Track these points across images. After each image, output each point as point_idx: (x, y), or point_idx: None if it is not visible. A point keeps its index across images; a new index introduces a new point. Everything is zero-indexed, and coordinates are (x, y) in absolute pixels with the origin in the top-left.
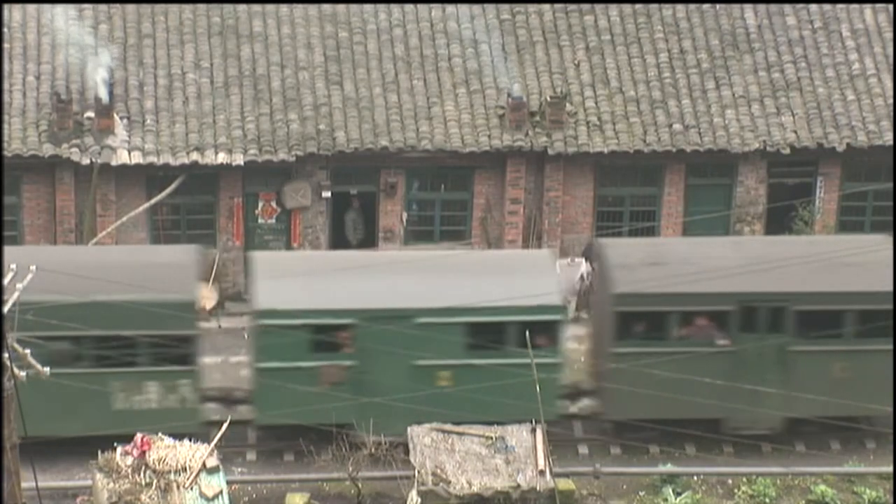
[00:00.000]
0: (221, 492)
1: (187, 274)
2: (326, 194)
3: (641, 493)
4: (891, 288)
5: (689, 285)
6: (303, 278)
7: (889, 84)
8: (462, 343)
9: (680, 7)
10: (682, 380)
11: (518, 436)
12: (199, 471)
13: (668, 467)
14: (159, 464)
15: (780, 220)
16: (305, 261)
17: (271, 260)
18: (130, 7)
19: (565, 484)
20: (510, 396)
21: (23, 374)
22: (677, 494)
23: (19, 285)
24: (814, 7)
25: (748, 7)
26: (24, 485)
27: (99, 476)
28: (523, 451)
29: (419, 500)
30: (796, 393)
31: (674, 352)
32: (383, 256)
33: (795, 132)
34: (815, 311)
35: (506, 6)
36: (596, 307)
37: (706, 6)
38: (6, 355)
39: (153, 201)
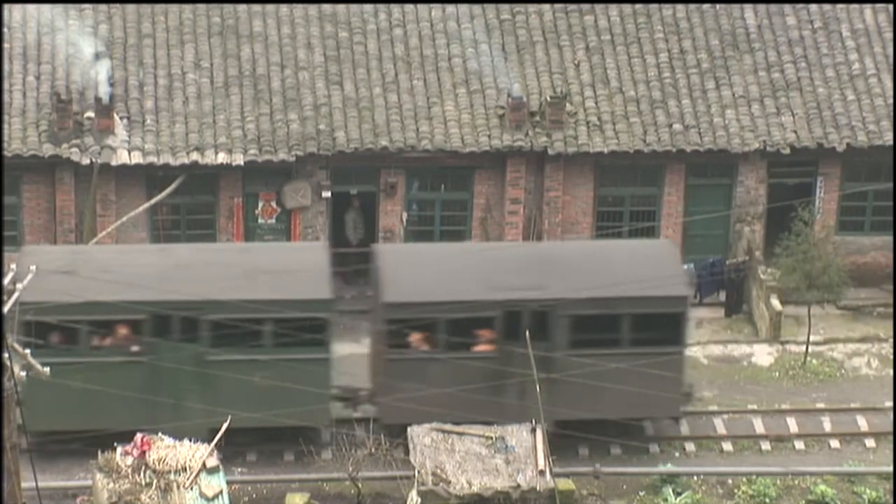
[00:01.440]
0: (221, 492)
1: None
2: (326, 194)
3: (641, 493)
4: (318, 295)
5: (101, 294)
6: None
7: (889, 84)
8: None
9: (680, 7)
10: (100, 391)
11: (518, 436)
12: (199, 471)
13: (668, 467)
14: (159, 464)
15: (780, 220)
16: None
17: None
18: (130, 7)
19: (565, 484)
20: None
21: (23, 374)
22: (677, 494)
23: (20, 285)
24: (814, 7)
25: (748, 7)
26: (24, 485)
27: (99, 476)
28: (523, 451)
29: (419, 500)
30: (217, 403)
31: (85, 362)
32: None
33: (795, 132)
34: (231, 320)
35: (506, 6)
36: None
37: (706, 6)
38: (6, 355)
39: (153, 201)
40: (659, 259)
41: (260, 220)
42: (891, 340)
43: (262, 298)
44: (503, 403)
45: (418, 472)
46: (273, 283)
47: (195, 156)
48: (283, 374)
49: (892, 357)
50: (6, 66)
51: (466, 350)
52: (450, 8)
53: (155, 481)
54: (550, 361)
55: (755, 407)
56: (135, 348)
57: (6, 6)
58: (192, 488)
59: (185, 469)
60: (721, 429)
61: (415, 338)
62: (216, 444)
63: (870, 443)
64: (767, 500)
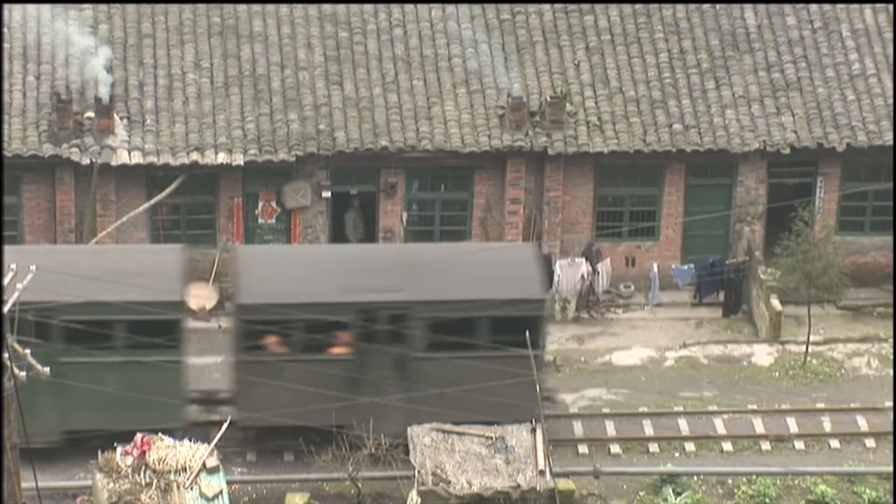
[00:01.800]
0: (221, 492)
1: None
2: (326, 194)
3: (641, 493)
4: (169, 298)
5: None
6: None
7: (889, 84)
8: None
9: (680, 7)
10: None
11: (518, 436)
12: (199, 471)
13: (668, 467)
14: (159, 464)
15: (780, 220)
16: None
17: None
18: (130, 7)
19: (565, 484)
20: None
21: (23, 374)
22: (677, 494)
23: (19, 285)
24: (814, 7)
25: (748, 7)
26: (24, 485)
27: (99, 476)
28: (523, 451)
29: (419, 500)
30: (70, 406)
31: None
32: None
33: (795, 132)
34: (83, 322)
35: (506, 6)
36: None
37: (706, 6)
38: (6, 355)
39: (153, 201)
40: (517, 262)
41: (260, 220)
42: (891, 340)
43: (113, 301)
44: (361, 405)
45: (418, 472)
46: (125, 285)
47: (195, 156)
48: (136, 376)
49: (892, 357)
50: (6, 66)
51: (322, 352)
52: (450, 8)
53: (155, 481)
54: (405, 364)
55: (755, 407)
56: None
57: (6, 6)
58: (192, 488)
59: (185, 469)
60: (721, 429)
61: (271, 340)
62: (216, 444)
63: (870, 443)
64: (767, 500)
